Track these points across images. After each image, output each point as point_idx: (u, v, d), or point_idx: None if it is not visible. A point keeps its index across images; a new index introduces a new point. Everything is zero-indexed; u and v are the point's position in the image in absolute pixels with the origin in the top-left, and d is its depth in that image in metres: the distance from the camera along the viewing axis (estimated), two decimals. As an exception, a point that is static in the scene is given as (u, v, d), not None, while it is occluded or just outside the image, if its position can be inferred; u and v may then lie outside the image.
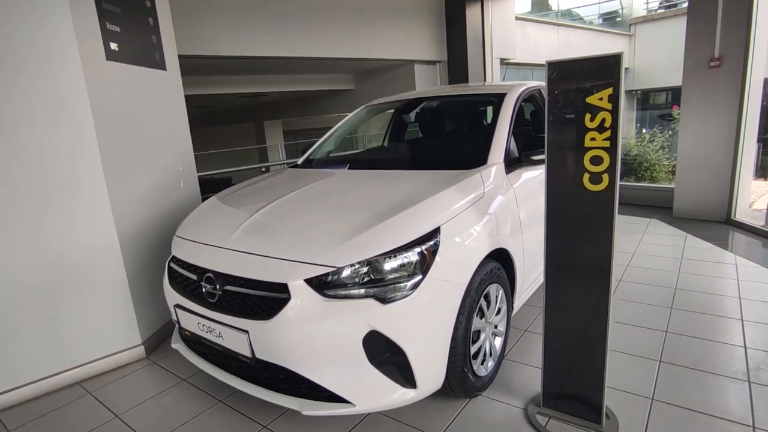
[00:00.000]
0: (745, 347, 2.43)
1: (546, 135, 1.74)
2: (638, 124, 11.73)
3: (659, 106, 14.33)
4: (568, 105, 1.66)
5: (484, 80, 6.93)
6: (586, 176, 1.68)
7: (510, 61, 7.76)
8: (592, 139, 1.64)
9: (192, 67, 5.85)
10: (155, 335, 2.92)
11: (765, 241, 4.17)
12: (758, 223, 4.47)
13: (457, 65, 6.81)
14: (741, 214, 4.76)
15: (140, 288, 2.79)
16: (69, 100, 2.38)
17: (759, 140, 4.94)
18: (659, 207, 5.52)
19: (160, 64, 3.05)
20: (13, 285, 2.34)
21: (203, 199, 3.14)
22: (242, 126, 13.27)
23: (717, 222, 4.81)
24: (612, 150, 1.61)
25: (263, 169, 5.92)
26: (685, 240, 4.30)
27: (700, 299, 3.02)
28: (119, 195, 2.64)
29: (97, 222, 2.54)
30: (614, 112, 1.58)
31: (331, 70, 7.91)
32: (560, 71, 1.66)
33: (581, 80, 1.62)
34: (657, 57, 12.48)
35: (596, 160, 1.65)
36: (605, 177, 1.65)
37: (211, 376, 2.38)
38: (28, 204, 2.33)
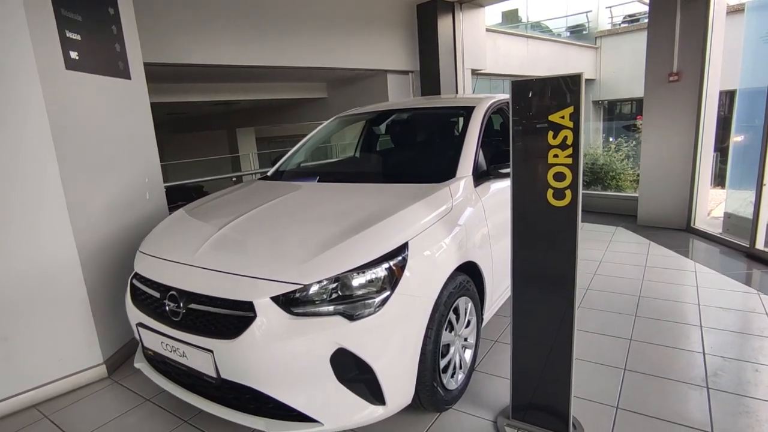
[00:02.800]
0: (704, 353, 2.52)
1: (511, 152, 1.77)
2: (605, 135, 12.12)
3: (625, 116, 14.84)
4: (532, 123, 1.70)
5: (456, 90, 7.03)
6: (550, 192, 1.71)
7: (481, 71, 7.90)
8: (555, 155, 1.67)
9: (160, 74, 5.73)
10: (118, 353, 2.82)
11: (722, 248, 4.35)
12: (715, 230, 4.66)
13: (429, 75, 6.89)
14: (700, 222, 4.95)
15: (102, 305, 2.69)
16: (25, 111, 2.29)
17: (716, 150, 5.16)
18: (625, 215, 5.69)
19: (124, 73, 2.97)
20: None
21: (171, 209, 3.06)
22: (214, 133, 13.04)
23: (678, 230, 5.00)
24: (574, 167, 1.65)
25: (234, 179, 5.82)
26: (649, 248, 4.44)
27: (663, 307, 3.12)
28: (79, 208, 2.54)
29: (55, 237, 2.44)
30: (575, 130, 1.63)
31: (304, 78, 7.88)
32: (524, 90, 1.70)
33: (544, 99, 1.66)
34: (621, 69, 12.96)
35: (559, 176, 1.69)
36: (568, 193, 1.69)
37: (176, 396, 2.31)
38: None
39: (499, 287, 2.59)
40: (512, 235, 1.84)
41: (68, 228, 2.48)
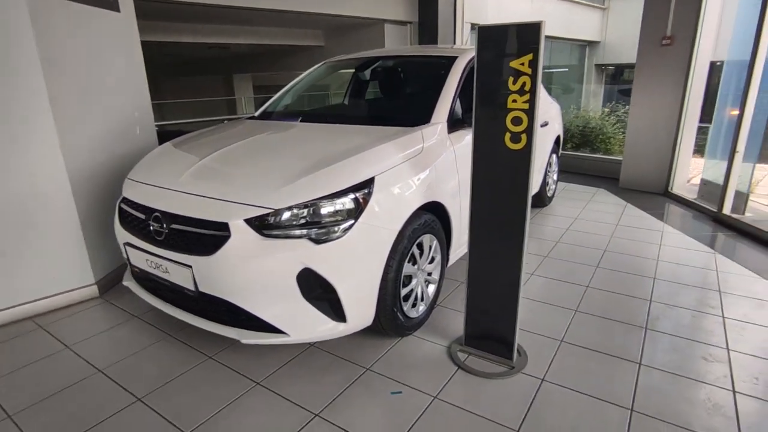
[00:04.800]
0: (651, 301, 2.73)
1: (474, 95, 1.87)
2: (604, 99, 12.01)
3: (628, 82, 14.64)
4: (495, 68, 1.80)
5: (453, 44, 6.95)
6: (508, 135, 1.84)
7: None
8: (514, 101, 1.78)
9: (153, 11, 5.64)
10: (108, 276, 3.01)
11: (694, 212, 4.52)
12: (691, 196, 4.81)
13: (427, 27, 6.80)
14: (678, 188, 5.10)
15: (94, 230, 2.85)
16: (15, 40, 2.35)
17: (701, 121, 5.22)
18: (608, 178, 5.82)
19: (113, 5, 2.99)
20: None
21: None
22: (211, 78, 12.87)
23: (656, 194, 5.15)
24: (530, 112, 1.77)
25: (225, 122, 5.85)
26: (624, 209, 4.60)
27: (624, 260, 3.32)
28: (69, 137, 2.65)
29: (46, 162, 2.56)
30: (533, 77, 1.73)
31: (301, 24, 7.74)
32: (488, 36, 1.78)
33: (506, 45, 1.75)
34: (627, 32, 12.67)
35: (516, 121, 1.80)
36: (524, 137, 1.81)
37: (162, 313, 2.51)
38: (-27, 139, 2.33)
39: (466, 232, 2.74)
40: (472, 177, 1.98)
41: (59, 155, 2.59)
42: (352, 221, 1.89)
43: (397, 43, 6.98)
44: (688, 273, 3.11)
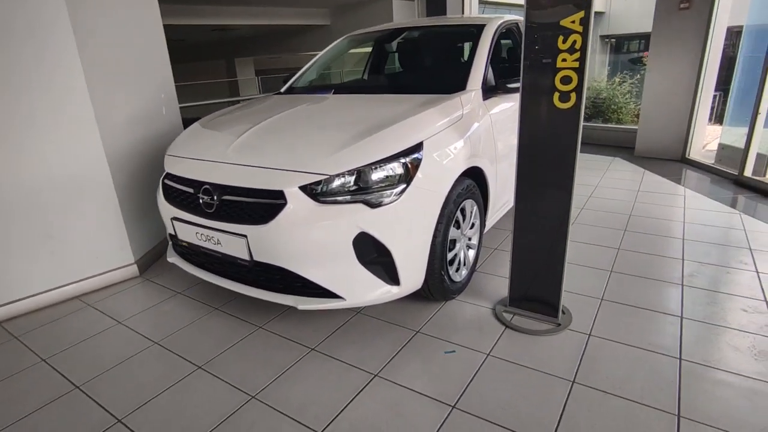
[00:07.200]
0: (683, 259, 2.78)
1: (522, 56, 1.88)
2: (611, 69, 11.89)
3: (632, 53, 14.51)
4: (544, 27, 1.81)
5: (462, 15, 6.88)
6: (557, 95, 1.85)
7: (489, 0, 7.68)
8: (563, 60, 1.80)
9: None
10: (147, 255, 3.06)
11: (712, 177, 4.55)
12: (708, 161, 4.84)
13: (435, 2, 6.71)
14: (695, 154, 5.12)
15: (131, 209, 2.89)
16: (52, 25, 2.35)
17: (717, 90, 5.21)
18: (623, 147, 5.83)
19: (137, -15, 2.97)
20: (7, 203, 2.40)
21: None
22: (212, 63, 12.74)
23: (673, 160, 5.17)
24: (580, 70, 1.78)
25: (241, 103, 5.83)
26: (643, 175, 4.63)
27: (650, 223, 3.36)
28: (105, 117, 2.66)
29: (85, 142, 2.59)
30: (584, 35, 1.74)
31: (307, 3, 7.65)
32: (538, -6, 1.78)
33: (557, 4, 1.76)
34: (632, 2, 12.50)
35: (566, 80, 1.82)
36: (573, 96, 1.83)
37: (206, 288, 2.57)
38: (17, 126, 2.35)
39: (500, 198, 2.79)
40: (519, 138, 2.00)
41: (97, 135, 2.61)
42: (405, 185, 1.92)
43: (405, 19, 6.89)
44: (715, 233, 3.16)
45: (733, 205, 3.73)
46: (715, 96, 5.31)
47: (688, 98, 4.93)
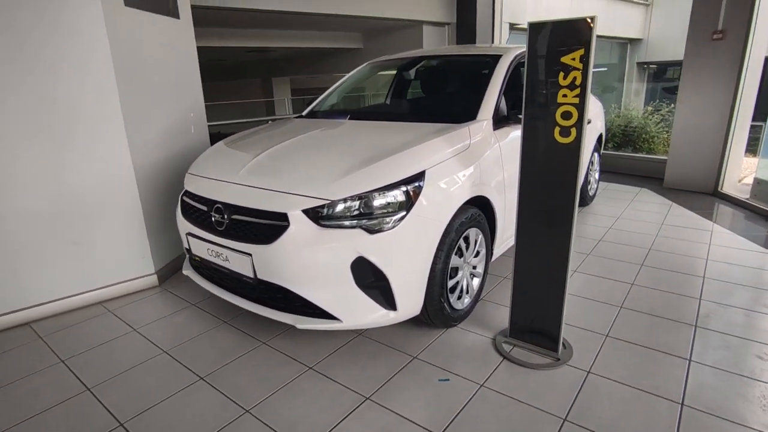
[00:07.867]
0: (700, 299, 2.68)
1: (524, 90, 1.92)
2: (648, 98, 11.59)
3: (672, 80, 14.13)
4: (545, 63, 1.84)
5: (491, 44, 6.95)
6: (557, 129, 1.87)
7: (519, 25, 7.73)
8: (564, 95, 1.82)
9: (201, 17, 5.92)
10: (167, 267, 3.21)
11: (746, 213, 4.36)
12: (743, 196, 4.64)
13: (465, 28, 6.82)
14: (728, 188, 4.92)
15: (154, 222, 3.05)
16: (90, 44, 2.56)
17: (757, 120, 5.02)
18: (652, 177, 5.67)
19: (174, 12, 3.19)
20: (39, 210, 2.60)
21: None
22: (250, 81, 13.29)
23: (704, 194, 4.99)
24: (580, 106, 1.80)
25: (270, 122, 6.09)
26: (670, 208, 4.49)
27: (671, 259, 3.26)
28: (136, 135, 2.85)
29: (116, 157, 2.77)
30: (584, 72, 1.76)
31: (340, 27, 7.92)
32: (539, 31, 1.83)
33: (558, 41, 1.79)
34: (672, 28, 12.23)
35: (566, 115, 1.84)
36: (573, 131, 1.84)
37: (218, 301, 2.67)
38: (55, 138, 2.56)
39: (509, 227, 2.78)
40: (520, 169, 2.02)
41: (127, 151, 2.80)
42: (405, 213, 1.97)
43: (435, 45, 7.03)
44: (740, 273, 3.03)
45: (766, 244, 3.57)
46: (752, 127, 5.11)
47: (721, 129, 4.78)
